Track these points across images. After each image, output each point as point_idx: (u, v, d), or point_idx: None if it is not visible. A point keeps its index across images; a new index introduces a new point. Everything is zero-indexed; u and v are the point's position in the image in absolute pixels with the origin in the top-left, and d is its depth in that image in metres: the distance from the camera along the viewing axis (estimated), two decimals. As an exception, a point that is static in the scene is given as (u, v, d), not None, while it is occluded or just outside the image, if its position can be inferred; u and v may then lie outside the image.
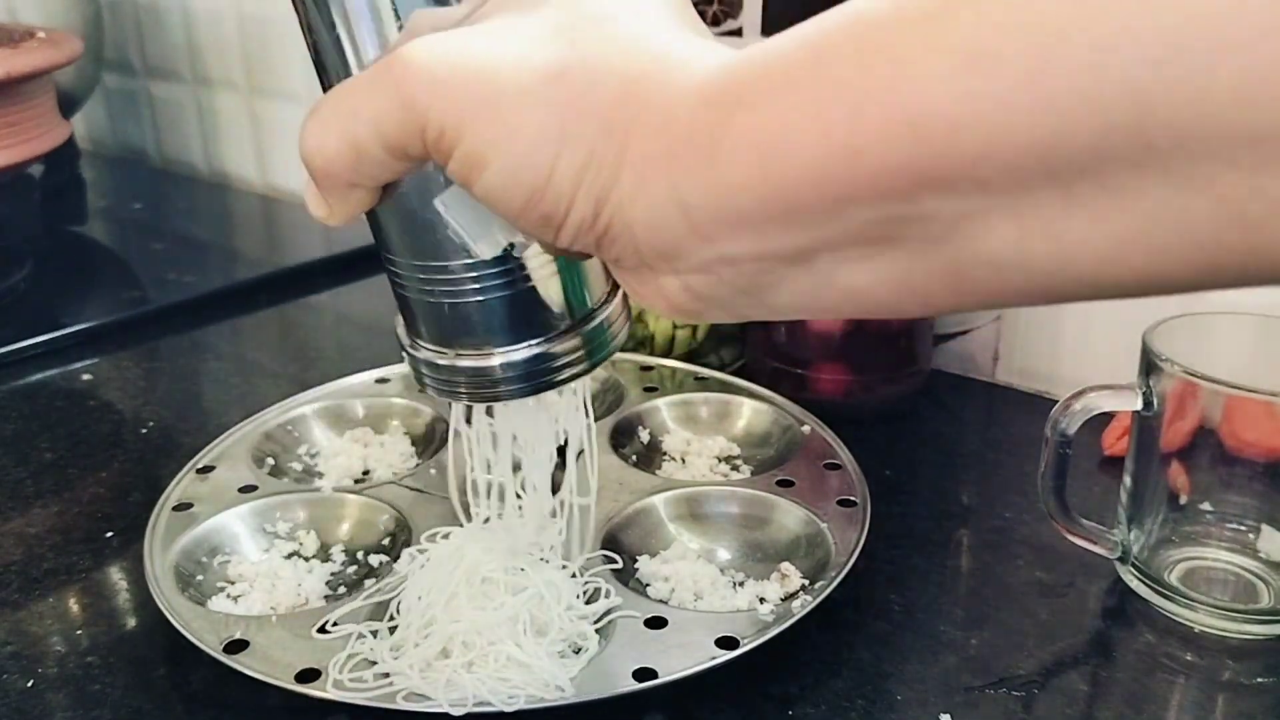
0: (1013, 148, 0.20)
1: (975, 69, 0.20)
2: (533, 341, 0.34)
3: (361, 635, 0.44)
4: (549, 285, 0.34)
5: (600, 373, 0.67)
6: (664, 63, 0.25)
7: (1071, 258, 0.21)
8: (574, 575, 0.46)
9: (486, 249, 0.30)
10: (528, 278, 0.33)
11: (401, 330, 0.37)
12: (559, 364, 0.35)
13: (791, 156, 0.22)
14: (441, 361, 0.35)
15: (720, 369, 0.68)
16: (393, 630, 0.44)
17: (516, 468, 0.44)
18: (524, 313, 0.34)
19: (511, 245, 0.31)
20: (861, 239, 0.23)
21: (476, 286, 0.33)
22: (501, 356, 0.34)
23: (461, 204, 0.29)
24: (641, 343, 0.71)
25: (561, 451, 0.57)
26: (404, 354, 0.37)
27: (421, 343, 0.36)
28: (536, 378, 0.35)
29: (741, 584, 0.49)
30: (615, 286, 0.37)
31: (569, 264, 0.35)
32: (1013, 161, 0.20)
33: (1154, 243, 0.20)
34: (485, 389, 0.35)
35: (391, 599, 0.46)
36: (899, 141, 0.21)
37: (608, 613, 0.45)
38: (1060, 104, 0.19)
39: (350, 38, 0.30)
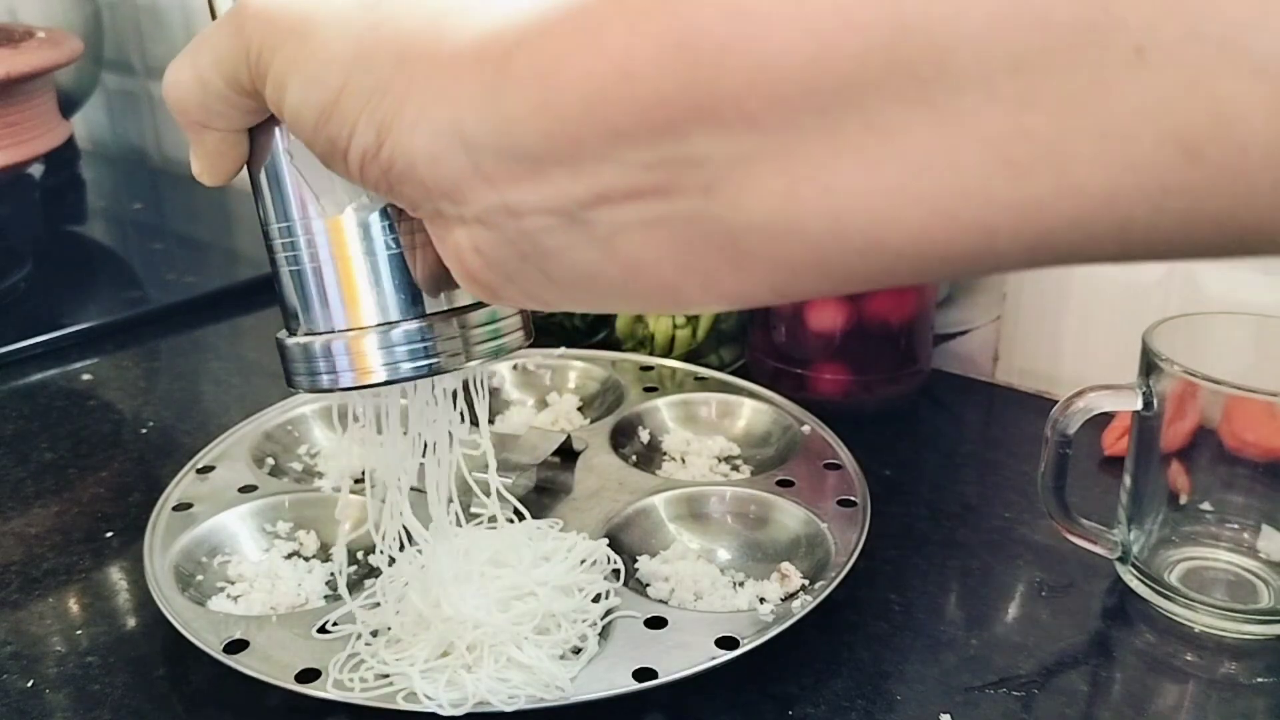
0: (776, 73, 0.19)
1: None
2: (406, 320, 0.31)
3: (359, 635, 0.44)
4: (421, 257, 0.30)
5: (600, 372, 0.67)
6: (471, 2, 0.24)
7: (842, 215, 0.20)
8: (580, 572, 0.46)
9: (329, 205, 0.30)
10: (396, 242, 0.30)
11: (280, 334, 0.34)
12: (442, 349, 0.31)
13: (569, 84, 0.22)
14: (297, 343, 0.32)
15: (720, 369, 0.69)
16: (392, 631, 0.44)
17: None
18: (393, 284, 0.30)
19: (356, 207, 0.29)
20: (638, 190, 0.22)
21: (332, 250, 0.30)
22: (373, 334, 0.31)
23: (303, 158, 0.29)
24: (641, 343, 0.72)
25: (561, 451, 0.57)
26: (278, 349, 0.33)
27: (292, 330, 0.33)
28: (414, 361, 0.31)
29: (741, 584, 0.49)
30: None
31: None
32: (777, 90, 0.20)
33: (924, 193, 0.19)
34: (352, 370, 0.31)
35: (392, 598, 0.46)
36: (670, 65, 0.20)
37: (608, 613, 0.45)
38: (821, 25, 0.19)
39: None
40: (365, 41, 0.25)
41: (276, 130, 0.30)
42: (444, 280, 0.31)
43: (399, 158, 0.25)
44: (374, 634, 0.44)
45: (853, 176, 0.20)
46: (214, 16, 0.30)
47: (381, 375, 0.31)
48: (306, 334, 0.32)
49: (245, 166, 0.32)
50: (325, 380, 0.31)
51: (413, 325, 0.30)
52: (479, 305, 0.32)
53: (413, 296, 0.31)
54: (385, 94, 0.25)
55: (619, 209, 0.23)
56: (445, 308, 0.31)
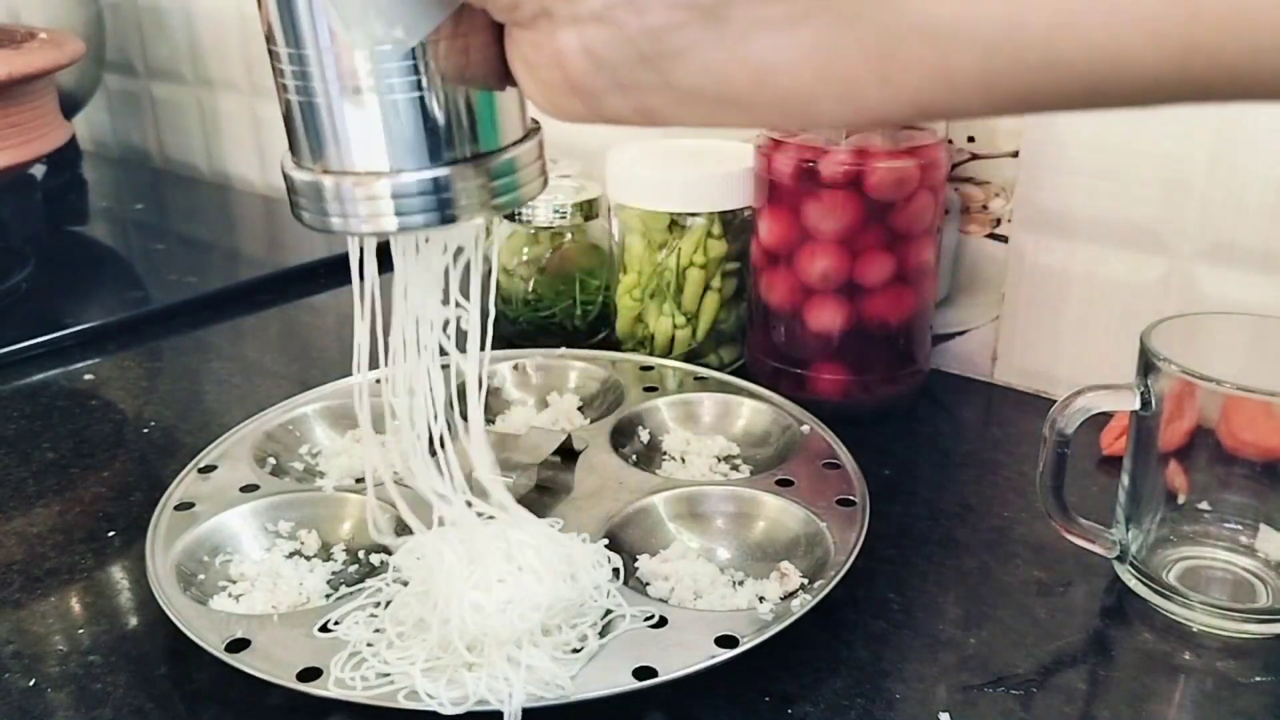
0: None
1: None
2: (424, 166, 0.29)
3: (366, 614, 0.44)
4: (447, 100, 0.29)
5: (600, 372, 0.67)
6: None
7: (1023, 21, 0.19)
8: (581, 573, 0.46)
9: (360, 38, 0.27)
10: (418, 85, 0.28)
11: (285, 156, 0.32)
12: (459, 197, 0.29)
13: None
14: (313, 180, 0.30)
15: (720, 369, 0.69)
16: (395, 630, 0.44)
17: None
18: (416, 127, 0.28)
19: (392, 39, 0.27)
20: None
21: (351, 82, 0.28)
22: (389, 178, 0.29)
23: None
24: (641, 343, 0.72)
25: (561, 451, 0.57)
26: (283, 177, 0.31)
27: (298, 160, 0.31)
28: (430, 210, 0.29)
29: (741, 583, 0.49)
30: (530, 133, 0.31)
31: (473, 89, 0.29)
32: None
33: (1123, 4, 0.18)
34: (358, 216, 0.29)
35: (393, 598, 0.46)
36: None
37: (608, 612, 0.45)
38: None
39: None
40: None
41: None
42: (466, 121, 0.29)
43: None
44: (375, 632, 0.44)
45: None
46: None
47: (393, 224, 0.29)
48: (317, 169, 0.30)
49: None
50: (335, 222, 0.30)
51: (428, 173, 0.29)
52: (495, 153, 0.30)
53: (430, 143, 0.29)
54: None
55: (760, 7, 0.21)
56: (465, 155, 0.29)
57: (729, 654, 0.42)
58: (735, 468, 0.59)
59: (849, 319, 0.64)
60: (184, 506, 0.53)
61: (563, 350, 0.70)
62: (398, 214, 0.29)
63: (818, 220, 0.62)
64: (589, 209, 0.74)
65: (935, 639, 0.47)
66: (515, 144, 0.31)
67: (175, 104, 1.24)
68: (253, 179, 1.19)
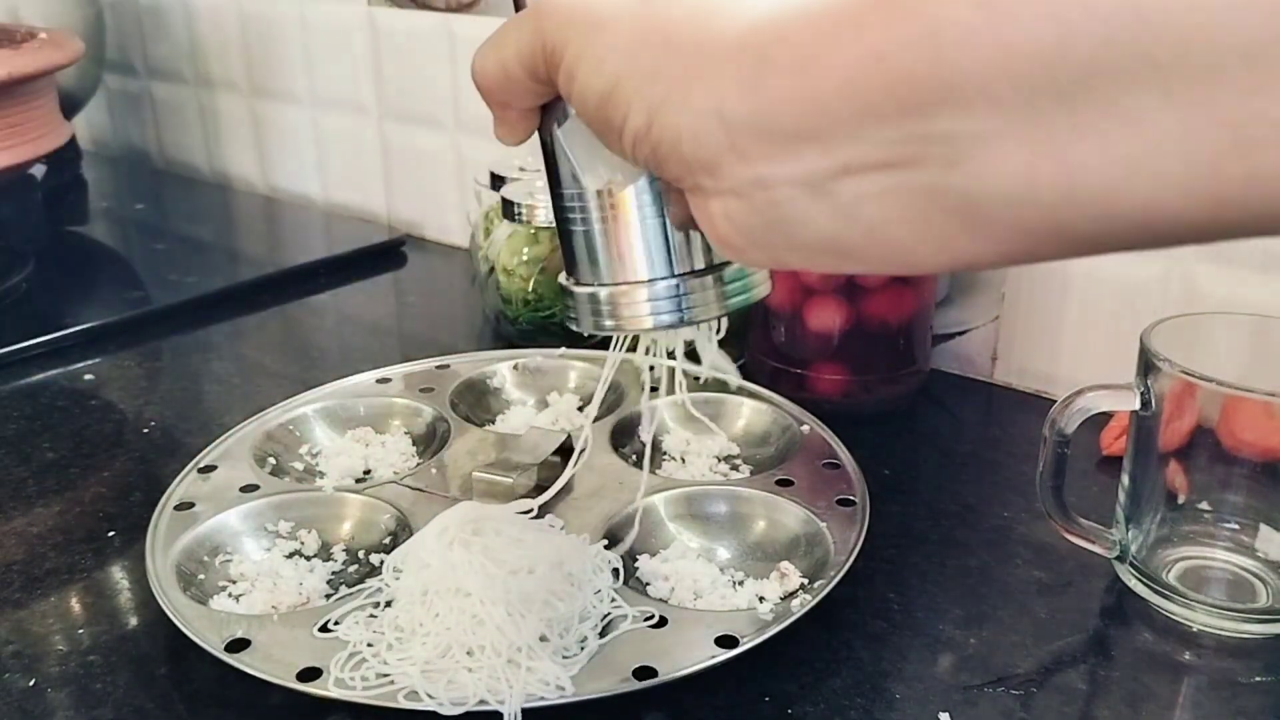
0: (1021, 57, 0.21)
1: None
2: (673, 276, 0.35)
3: (364, 616, 0.44)
4: (678, 221, 0.35)
5: (600, 372, 0.67)
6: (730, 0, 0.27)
7: (1078, 185, 0.22)
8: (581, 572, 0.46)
9: (590, 180, 0.34)
10: (660, 211, 0.35)
11: (562, 276, 0.38)
12: (698, 301, 0.35)
13: (825, 68, 0.24)
14: (585, 291, 0.36)
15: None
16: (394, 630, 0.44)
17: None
18: (661, 246, 0.35)
19: (612, 182, 0.34)
20: (884, 163, 0.25)
21: (604, 214, 0.35)
22: (643, 288, 0.35)
23: (575, 136, 0.34)
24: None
25: (561, 451, 0.57)
26: (562, 292, 0.38)
27: (575, 279, 0.37)
28: (676, 311, 0.35)
29: (741, 583, 0.49)
30: None
31: None
32: (1022, 74, 0.21)
33: (1158, 169, 0.21)
34: (624, 318, 0.36)
35: (393, 599, 0.46)
36: (922, 48, 0.23)
37: (608, 612, 0.45)
38: (1066, 14, 0.21)
39: None
40: (639, 36, 0.28)
41: (563, 103, 0.34)
42: (701, 238, 0.35)
43: (665, 137, 0.28)
44: (375, 632, 0.44)
45: (1091, 153, 0.21)
46: (517, 9, 0.35)
47: (648, 323, 0.35)
48: (589, 284, 0.36)
49: (537, 133, 0.36)
50: (608, 323, 0.36)
51: (672, 282, 0.35)
52: (726, 264, 0.36)
53: (674, 255, 0.35)
54: (656, 81, 0.28)
55: (862, 180, 0.25)
56: (701, 266, 0.35)
57: (729, 654, 0.42)
58: (735, 468, 0.59)
59: (849, 319, 0.64)
60: (184, 506, 0.53)
61: (563, 350, 0.70)
62: (651, 315, 0.35)
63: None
64: (589, 209, 0.74)
65: (935, 639, 0.47)
66: None
67: (175, 104, 1.24)
68: (253, 179, 1.19)
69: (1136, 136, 0.21)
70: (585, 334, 0.38)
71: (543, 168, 0.36)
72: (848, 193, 0.26)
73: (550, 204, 0.37)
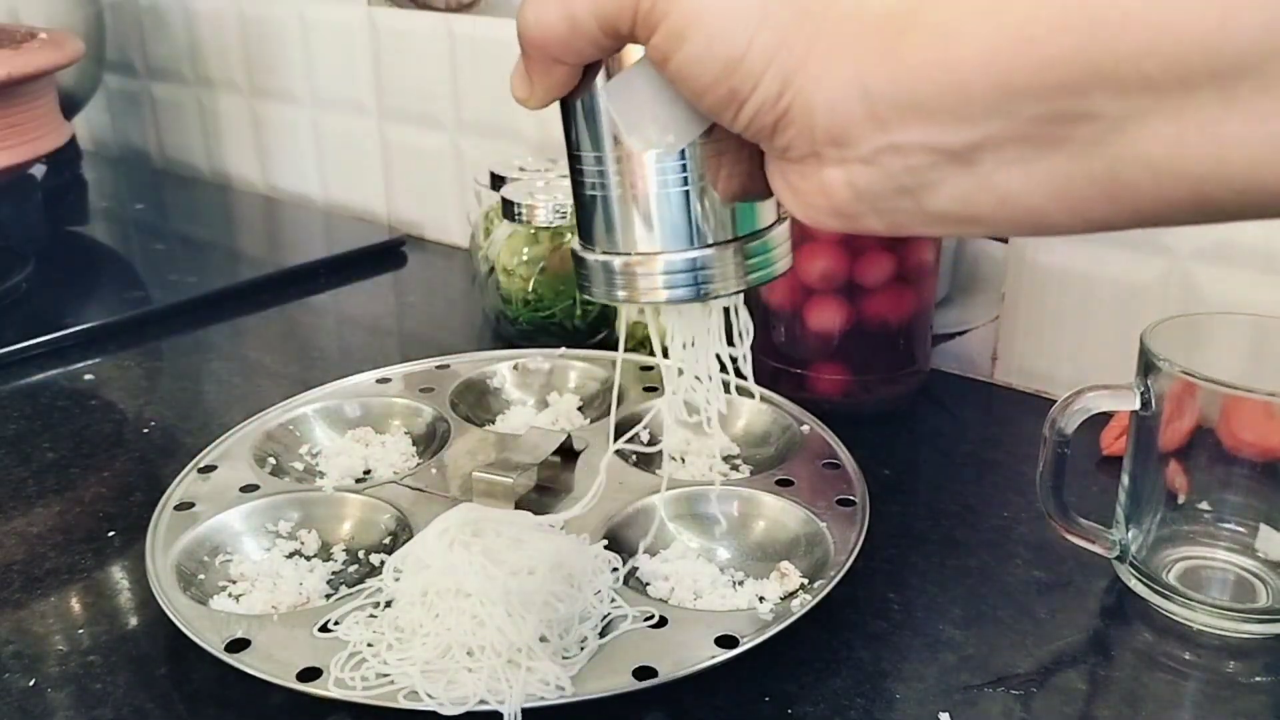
0: (1179, 40, 0.22)
1: None
2: (692, 248, 0.34)
3: (362, 633, 0.44)
4: (713, 194, 0.34)
5: (600, 372, 0.67)
6: None
7: (1226, 159, 0.23)
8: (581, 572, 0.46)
9: (637, 142, 0.33)
10: (685, 181, 0.34)
11: (575, 240, 0.37)
12: (718, 275, 0.35)
13: (970, 44, 0.24)
14: (599, 259, 0.35)
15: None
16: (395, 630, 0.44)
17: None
18: (683, 216, 0.34)
19: (666, 143, 0.33)
20: (1027, 138, 0.24)
21: (619, 181, 0.34)
22: (661, 259, 0.34)
23: (625, 95, 0.32)
24: (641, 343, 0.72)
25: (561, 451, 0.57)
26: (574, 259, 0.37)
27: (589, 245, 0.36)
28: (694, 285, 0.35)
29: (741, 583, 0.49)
30: (780, 218, 0.36)
31: None
32: (1179, 55, 0.22)
33: None
34: (640, 289, 0.35)
35: (393, 599, 0.46)
36: (1073, 30, 0.22)
37: (608, 612, 0.45)
38: None
39: None
40: (770, 2, 0.27)
41: (603, 67, 0.33)
42: (727, 209, 0.34)
43: (796, 107, 0.27)
44: (375, 632, 0.44)
45: (1241, 129, 0.22)
46: None
47: (663, 296, 0.35)
48: (604, 252, 0.35)
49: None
50: (621, 294, 0.35)
51: (691, 254, 0.34)
52: (751, 237, 0.35)
53: (697, 228, 0.34)
54: (791, 50, 0.27)
55: (1004, 152, 0.25)
56: (725, 238, 0.34)
57: (729, 654, 0.42)
58: (735, 468, 0.59)
59: (849, 319, 0.64)
60: (184, 506, 0.53)
61: (563, 350, 0.70)
62: (667, 288, 0.34)
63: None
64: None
65: (935, 639, 0.47)
66: (768, 228, 0.35)
67: (175, 104, 1.24)
68: (253, 179, 1.19)
69: None
70: (597, 301, 0.37)
71: (560, 134, 0.35)
72: (988, 162, 0.25)
73: (568, 170, 0.36)
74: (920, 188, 0.27)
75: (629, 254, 0.35)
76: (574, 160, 0.35)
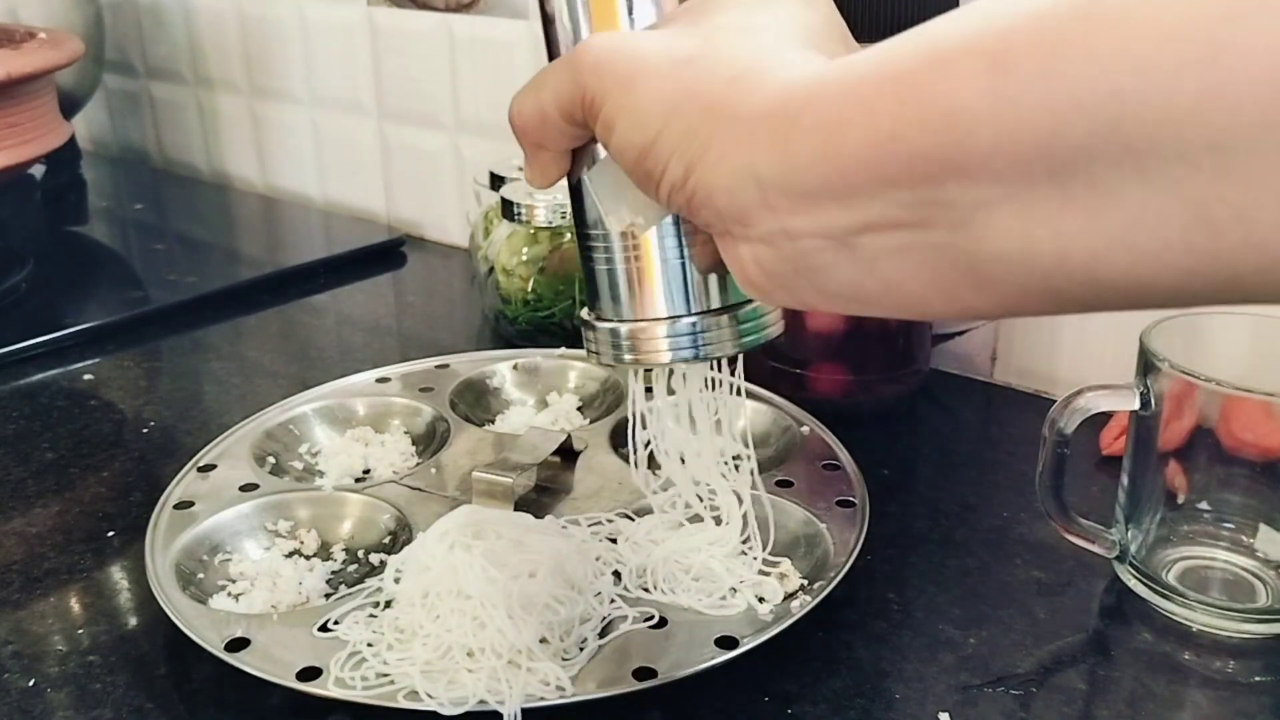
0: (1019, 141, 0.24)
1: (996, 72, 0.24)
2: (688, 315, 0.37)
3: (362, 632, 0.44)
4: (699, 261, 0.37)
5: (600, 372, 0.67)
6: (770, 64, 0.30)
7: (1067, 253, 0.25)
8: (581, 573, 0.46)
9: (614, 223, 0.36)
10: (680, 253, 0.37)
11: (584, 310, 0.40)
12: (714, 338, 0.38)
13: (847, 141, 0.27)
14: (606, 326, 0.38)
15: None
16: (395, 629, 0.44)
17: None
18: (680, 286, 0.37)
19: (634, 225, 0.36)
20: (900, 223, 0.27)
21: (627, 255, 0.37)
22: (661, 325, 0.37)
23: (602, 180, 0.36)
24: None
25: (561, 451, 0.57)
26: (583, 325, 0.40)
27: (595, 313, 0.40)
28: (691, 348, 0.38)
29: (741, 583, 0.49)
30: None
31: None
32: (1019, 154, 0.24)
33: (1136, 241, 0.23)
34: (642, 353, 0.38)
35: (393, 600, 0.46)
36: (933, 130, 0.25)
37: (607, 613, 0.45)
38: (1057, 106, 0.23)
39: (569, 29, 0.36)
40: (678, 96, 0.31)
41: (594, 149, 0.36)
42: (718, 279, 0.37)
43: (700, 189, 0.30)
44: (375, 632, 0.44)
45: (1076, 224, 0.24)
46: (551, 57, 0.37)
47: (666, 358, 0.38)
48: (611, 319, 0.38)
49: (566, 177, 0.37)
50: (628, 357, 0.38)
51: (690, 320, 0.37)
52: (746, 302, 0.37)
53: (692, 295, 0.37)
54: (693, 139, 0.30)
55: (880, 237, 0.28)
56: (718, 305, 0.37)
57: (729, 655, 0.42)
58: (735, 468, 0.59)
59: (848, 319, 0.64)
60: (183, 505, 0.53)
61: (562, 350, 0.70)
62: (669, 350, 0.37)
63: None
64: (589, 209, 0.74)
65: (935, 639, 0.47)
66: None
67: (175, 104, 1.24)
68: (252, 179, 1.19)
69: (1116, 210, 0.23)
70: (603, 365, 0.40)
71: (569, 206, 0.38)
72: (868, 247, 0.28)
73: (577, 244, 0.39)
74: (812, 270, 0.29)
75: (633, 321, 0.38)
76: (581, 237, 0.38)
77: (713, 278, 0.37)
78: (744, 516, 0.48)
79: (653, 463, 0.47)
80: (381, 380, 0.67)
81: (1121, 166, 0.23)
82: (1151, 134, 0.22)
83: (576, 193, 0.37)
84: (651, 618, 0.45)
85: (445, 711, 0.40)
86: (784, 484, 0.54)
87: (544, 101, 0.34)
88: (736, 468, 0.59)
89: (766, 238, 0.30)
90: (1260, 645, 0.47)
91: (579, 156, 0.36)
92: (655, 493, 0.50)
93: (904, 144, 0.26)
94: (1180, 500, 0.50)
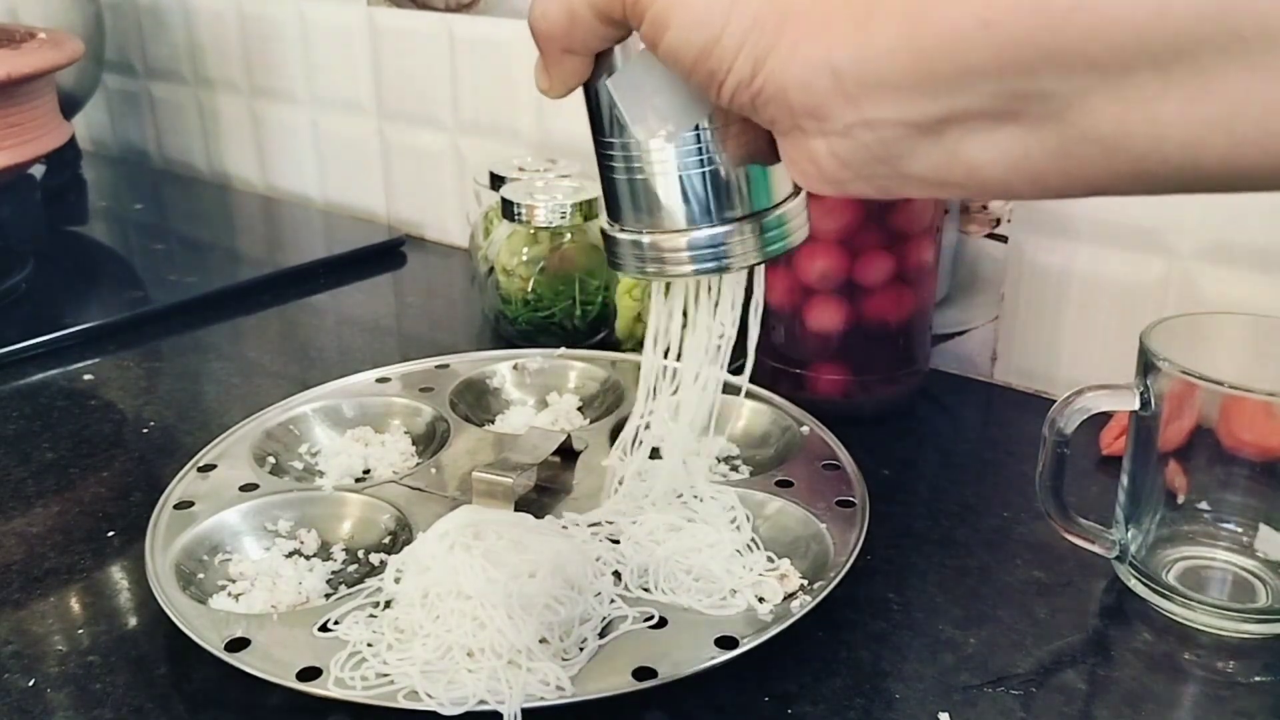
0: (1120, 26, 0.24)
1: None
2: (712, 225, 0.36)
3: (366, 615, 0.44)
4: (729, 172, 0.36)
5: (600, 372, 0.67)
6: None
7: (1163, 138, 0.24)
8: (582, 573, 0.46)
9: (641, 131, 0.35)
10: (706, 162, 0.36)
11: (603, 218, 0.39)
12: (737, 248, 0.37)
13: (932, 27, 0.26)
14: (628, 238, 0.38)
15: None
16: (395, 629, 0.44)
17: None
18: (703, 195, 0.36)
19: (662, 133, 0.35)
20: (986, 112, 0.27)
21: (650, 164, 0.36)
22: (684, 236, 0.36)
23: (626, 86, 0.34)
24: (641, 343, 0.72)
25: (561, 451, 0.57)
26: (603, 236, 0.39)
27: (617, 224, 0.39)
28: (715, 259, 0.37)
29: (741, 582, 0.49)
30: (797, 190, 0.38)
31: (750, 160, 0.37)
32: (1119, 40, 0.24)
33: (1236, 128, 0.23)
34: (667, 265, 0.37)
35: (393, 601, 0.46)
36: (1024, 16, 0.24)
37: (607, 613, 0.45)
38: None
39: None
40: None
41: (614, 55, 0.35)
42: (742, 188, 0.36)
43: (770, 85, 0.29)
44: (375, 632, 0.44)
45: (1176, 109, 0.24)
46: None
47: (689, 269, 0.37)
48: (631, 230, 0.37)
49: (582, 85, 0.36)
50: (651, 268, 0.37)
51: (713, 230, 0.36)
52: (766, 211, 0.37)
53: (716, 205, 0.36)
54: (761, 33, 0.29)
55: (965, 125, 0.27)
56: (740, 214, 0.36)
57: (729, 655, 0.42)
58: (735, 468, 0.59)
59: (848, 319, 0.64)
60: (183, 505, 0.53)
61: (562, 350, 0.70)
62: (692, 262, 0.37)
63: (817, 220, 0.61)
64: (589, 209, 0.74)
65: (935, 639, 0.47)
66: (784, 201, 0.37)
67: (175, 104, 1.24)
68: (252, 179, 1.19)
69: (1218, 96, 0.23)
70: (628, 276, 0.39)
71: (585, 117, 0.37)
72: (951, 135, 0.27)
73: (595, 153, 0.37)
74: (895, 157, 0.29)
75: (655, 232, 0.37)
76: (599, 145, 0.37)
77: (736, 187, 0.36)
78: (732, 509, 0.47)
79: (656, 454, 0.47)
80: (381, 380, 0.67)
81: (1226, 52, 0.22)
82: (1260, 18, 0.22)
83: (595, 100, 0.36)
84: (651, 618, 0.45)
85: (445, 711, 0.40)
86: (784, 484, 0.54)
87: (575, 1, 0.32)
88: (735, 468, 0.59)
89: (844, 130, 0.29)
90: (1260, 645, 0.47)
91: (600, 61, 0.35)
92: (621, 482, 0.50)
93: (994, 30, 0.25)
94: (1180, 500, 0.50)
